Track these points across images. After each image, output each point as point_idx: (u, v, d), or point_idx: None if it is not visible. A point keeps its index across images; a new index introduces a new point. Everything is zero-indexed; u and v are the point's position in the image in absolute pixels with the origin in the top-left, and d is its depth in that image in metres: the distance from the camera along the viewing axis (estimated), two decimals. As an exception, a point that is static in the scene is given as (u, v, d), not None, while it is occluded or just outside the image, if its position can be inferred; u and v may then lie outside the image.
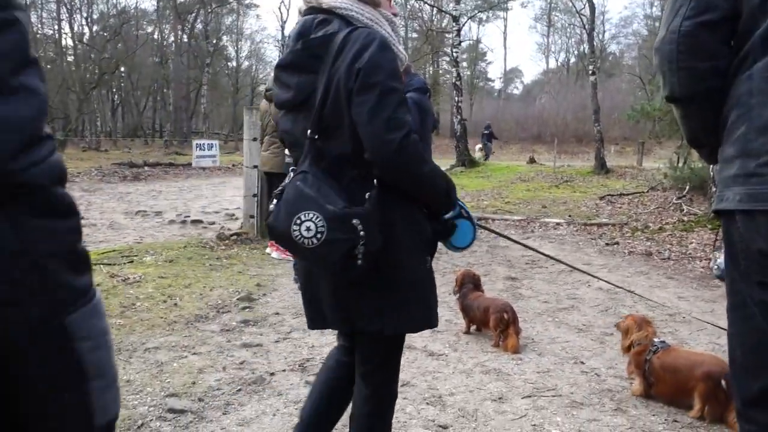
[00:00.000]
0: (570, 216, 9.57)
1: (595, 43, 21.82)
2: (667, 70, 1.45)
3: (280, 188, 1.64)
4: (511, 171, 18.47)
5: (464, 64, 47.39)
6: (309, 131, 1.63)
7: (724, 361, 2.92)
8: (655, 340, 3.04)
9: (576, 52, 51.28)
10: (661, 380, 2.90)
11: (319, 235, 1.51)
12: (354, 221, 1.53)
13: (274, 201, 1.63)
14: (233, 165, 19.66)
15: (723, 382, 2.69)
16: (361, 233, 1.53)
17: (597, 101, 18.42)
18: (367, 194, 1.59)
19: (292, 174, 1.65)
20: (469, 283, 4.03)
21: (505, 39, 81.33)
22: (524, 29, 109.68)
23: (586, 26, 20.99)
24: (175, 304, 4.34)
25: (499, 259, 6.52)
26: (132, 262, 5.54)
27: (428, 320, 1.78)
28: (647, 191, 11.93)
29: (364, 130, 1.56)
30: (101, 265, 5.26)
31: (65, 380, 0.60)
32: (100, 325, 0.65)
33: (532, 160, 24.76)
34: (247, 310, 4.31)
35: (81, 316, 0.61)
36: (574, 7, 28.72)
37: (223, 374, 3.15)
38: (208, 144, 8.16)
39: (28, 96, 0.56)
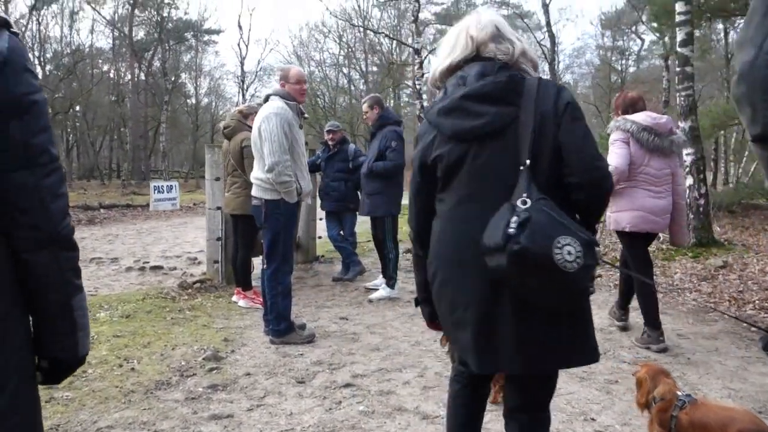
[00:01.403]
0: (546, 247, 9.32)
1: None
2: (760, 101, 1.13)
3: (524, 214, 1.61)
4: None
5: (426, 96, 47.80)
6: (527, 159, 1.69)
7: (758, 417, 2.62)
8: (679, 393, 2.72)
9: (534, 83, 52.27)
10: None
11: (579, 260, 1.57)
12: (597, 248, 1.63)
13: (513, 227, 1.59)
14: (194, 204, 19.05)
15: (757, 443, 2.38)
16: (599, 260, 1.64)
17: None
18: (576, 219, 1.70)
19: (529, 201, 1.64)
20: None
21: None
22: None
23: (547, 56, 21.30)
24: (133, 369, 3.85)
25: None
26: (84, 319, 5.00)
27: (598, 351, 1.87)
28: (618, 219, 11.81)
29: (576, 155, 1.69)
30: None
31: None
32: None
33: (497, 190, 24.78)
34: (215, 371, 3.85)
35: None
36: (535, 38, 29.21)
37: (189, 458, 2.70)
38: (167, 186, 7.66)
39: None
